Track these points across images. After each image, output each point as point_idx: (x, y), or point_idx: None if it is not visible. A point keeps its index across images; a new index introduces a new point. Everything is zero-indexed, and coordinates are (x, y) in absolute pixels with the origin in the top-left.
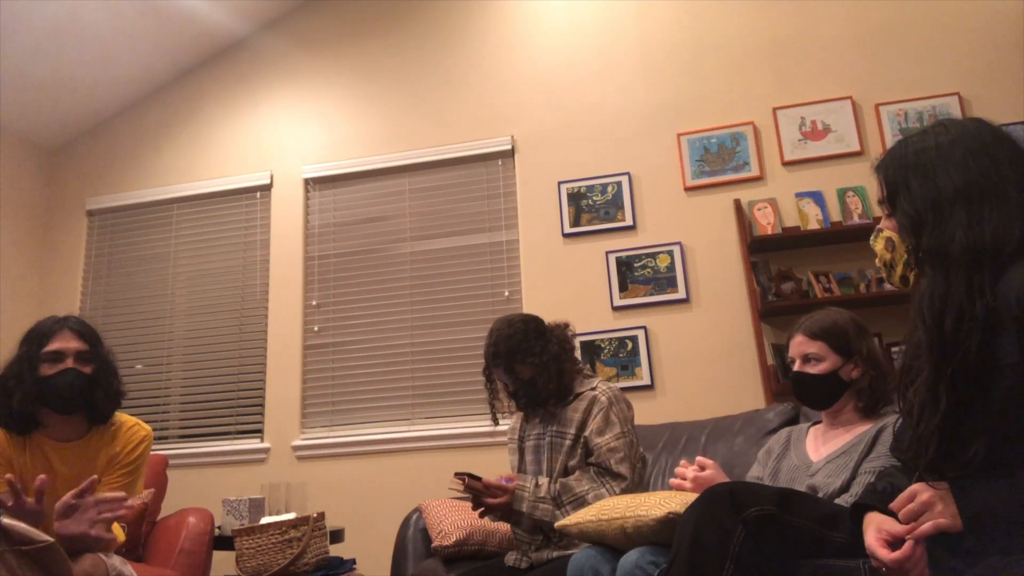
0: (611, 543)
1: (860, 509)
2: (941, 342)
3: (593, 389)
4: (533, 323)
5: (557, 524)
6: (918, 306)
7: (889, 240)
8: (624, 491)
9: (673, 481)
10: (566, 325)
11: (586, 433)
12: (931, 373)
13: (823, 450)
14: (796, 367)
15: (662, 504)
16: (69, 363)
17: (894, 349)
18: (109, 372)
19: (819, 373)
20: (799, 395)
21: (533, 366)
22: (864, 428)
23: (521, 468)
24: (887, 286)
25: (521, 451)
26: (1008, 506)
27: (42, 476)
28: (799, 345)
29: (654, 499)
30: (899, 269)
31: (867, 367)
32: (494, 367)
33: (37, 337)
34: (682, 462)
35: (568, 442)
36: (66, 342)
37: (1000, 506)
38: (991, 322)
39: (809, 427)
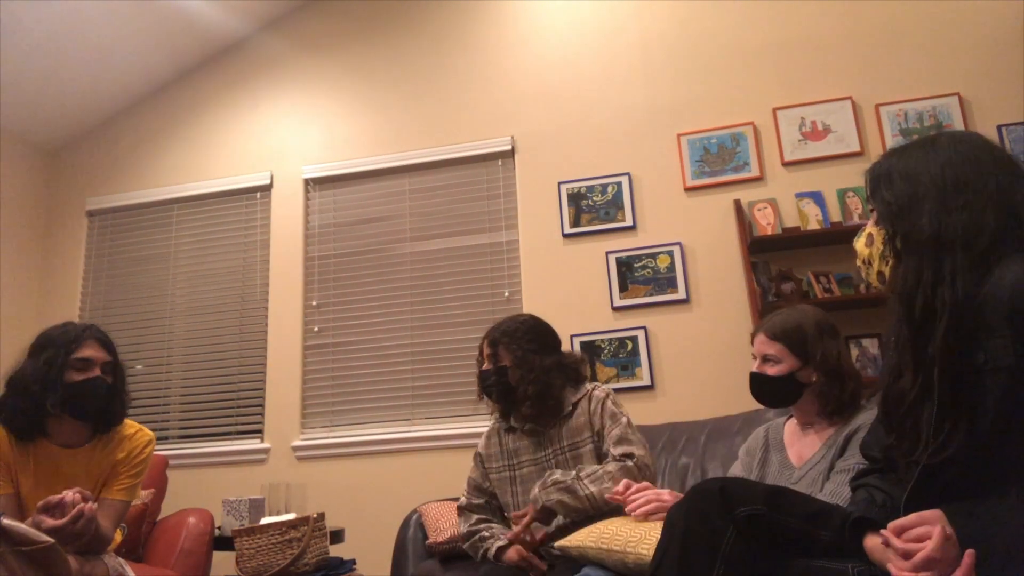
0: (611, 569)
1: (861, 523)
2: (911, 325)
3: (584, 392)
4: (542, 327)
5: (557, 544)
6: (894, 290)
7: (869, 236)
8: (647, 454)
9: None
10: (583, 360)
11: (597, 429)
12: (909, 361)
13: (804, 453)
14: (755, 366)
15: None
16: (96, 372)
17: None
18: (124, 384)
19: (775, 375)
20: (755, 394)
21: (515, 358)
22: (831, 431)
23: (515, 497)
24: None
25: (514, 479)
26: (1009, 532)
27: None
28: (760, 344)
29: (655, 537)
30: (876, 264)
31: (822, 372)
32: (487, 339)
33: (65, 343)
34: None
35: (588, 447)
36: (95, 351)
37: (1001, 532)
38: (962, 315)
39: (785, 422)
